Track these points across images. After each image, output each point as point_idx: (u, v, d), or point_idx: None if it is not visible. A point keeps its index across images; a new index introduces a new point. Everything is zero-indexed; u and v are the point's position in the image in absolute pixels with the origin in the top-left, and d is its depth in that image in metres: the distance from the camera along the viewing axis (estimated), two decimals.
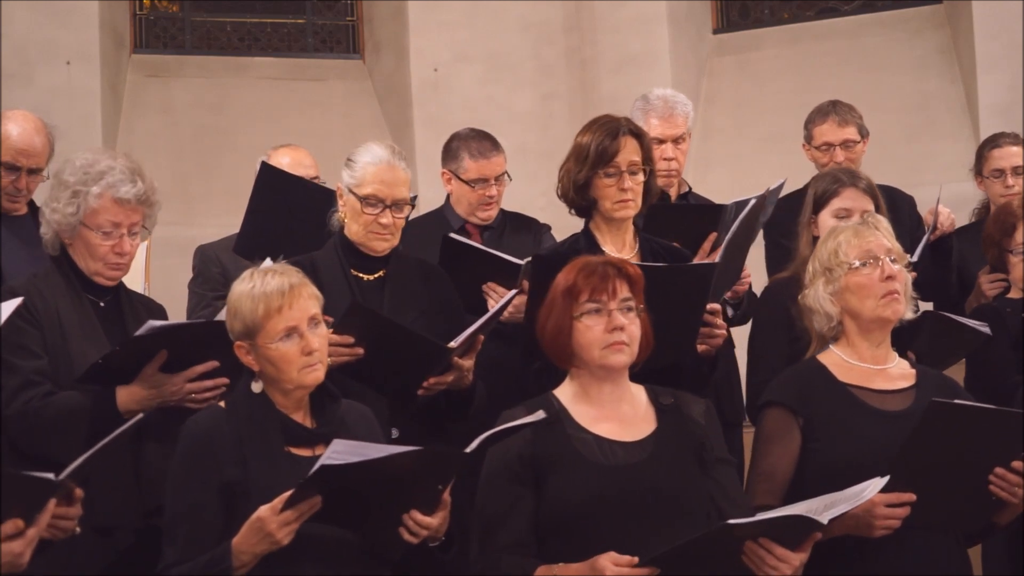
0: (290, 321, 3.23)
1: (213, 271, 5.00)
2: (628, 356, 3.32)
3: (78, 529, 3.06)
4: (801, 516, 3.13)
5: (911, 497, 3.32)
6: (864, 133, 5.40)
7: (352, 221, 4.04)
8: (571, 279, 3.31)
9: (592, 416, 3.34)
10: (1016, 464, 3.36)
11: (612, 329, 3.27)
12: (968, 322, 4.29)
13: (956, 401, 3.38)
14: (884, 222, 3.74)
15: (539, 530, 3.26)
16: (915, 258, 4.64)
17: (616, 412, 3.36)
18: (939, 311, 4.38)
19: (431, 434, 3.84)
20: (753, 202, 4.35)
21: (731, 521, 3.03)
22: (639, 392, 3.42)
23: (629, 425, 3.34)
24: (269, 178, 4.66)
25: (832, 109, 5.39)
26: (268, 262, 3.72)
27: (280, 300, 3.23)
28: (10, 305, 3.42)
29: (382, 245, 4.04)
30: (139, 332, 3.55)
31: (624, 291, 3.31)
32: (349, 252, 4.05)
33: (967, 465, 3.35)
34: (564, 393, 3.40)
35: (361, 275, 4.05)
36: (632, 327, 3.30)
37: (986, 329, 4.28)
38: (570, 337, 3.30)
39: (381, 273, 4.06)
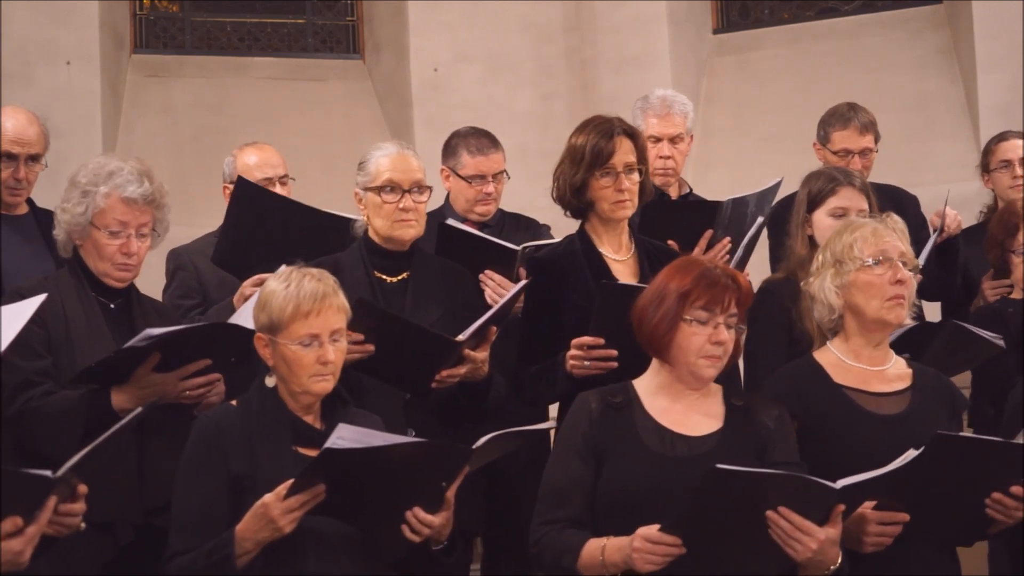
0: (313, 328, 3.27)
1: (188, 277, 4.94)
2: (718, 371, 3.37)
3: (83, 525, 3.07)
4: (805, 477, 3.13)
5: (904, 517, 3.34)
6: (878, 139, 5.39)
7: (375, 217, 4.06)
8: (687, 284, 3.31)
9: (662, 408, 3.38)
10: (1015, 489, 3.37)
11: (715, 342, 3.31)
12: (985, 334, 4.28)
13: (961, 435, 3.40)
14: (902, 224, 3.73)
15: (597, 511, 3.30)
16: (922, 261, 4.64)
17: (688, 407, 3.39)
18: (958, 321, 4.37)
19: (447, 435, 3.83)
20: (760, 220, 4.36)
21: (719, 465, 3.04)
22: (716, 390, 3.44)
23: (697, 420, 3.37)
24: (245, 192, 4.63)
25: (854, 115, 5.33)
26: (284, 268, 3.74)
27: (310, 306, 3.27)
28: (33, 303, 3.45)
29: (409, 232, 4.05)
30: (134, 341, 3.58)
31: (733, 307, 3.33)
32: (373, 253, 4.07)
33: (965, 489, 3.37)
34: (643, 383, 3.44)
35: (384, 277, 4.05)
36: (730, 343, 3.34)
37: (1000, 341, 4.27)
38: (672, 336, 3.32)
39: (404, 275, 4.07)
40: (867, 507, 3.32)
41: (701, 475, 3.05)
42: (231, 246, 4.59)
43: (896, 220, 3.73)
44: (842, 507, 3.15)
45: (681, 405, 3.38)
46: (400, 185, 4.03)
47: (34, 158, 4.46)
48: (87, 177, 3.80)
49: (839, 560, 3.19)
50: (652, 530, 3.10)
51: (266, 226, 4.48)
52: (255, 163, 5.07)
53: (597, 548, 3.21)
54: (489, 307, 4.09)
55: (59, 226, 3.84)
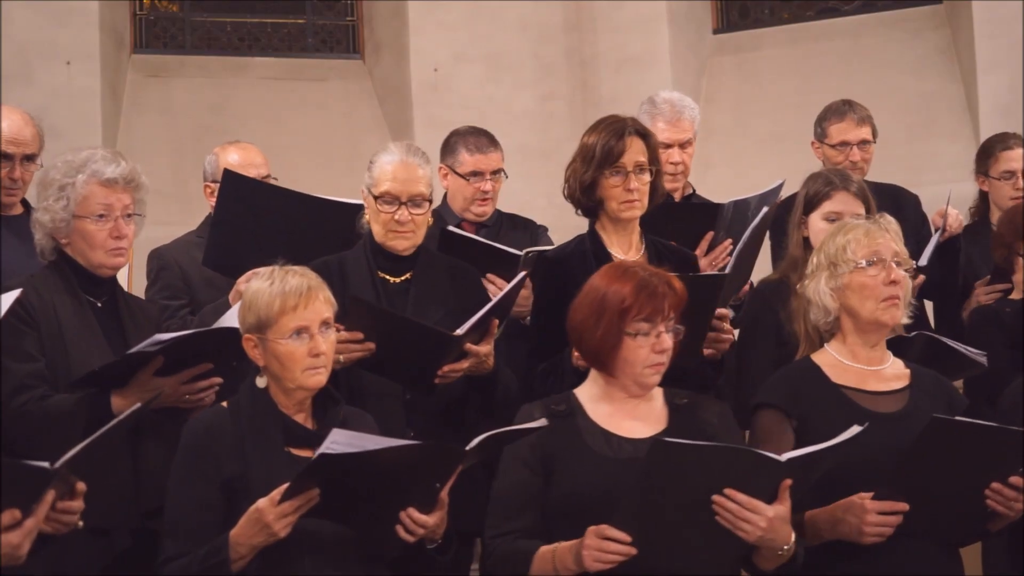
0: (302, 321, 3.28)
1: (174, 276, 4.87)
2: (660, 376, 3.39)
3: (80, 523, 3.06)
4: (749, 450, 3.14)
5: (903, 506, 3.34)
6: (875, 134, 5.40)
7: (374, 222, 4.05)
8: (626, 297, 3.31)
9: (606, 413, 3.39)
10: (1014, 479, 3.37)
11: (659, 351, 3.33)
12: (962, 348, 4.26)
13: (957, 418, 3.38)
14: (895, 224, 3.73)
15: (548, 518, 3.30)
16: (924, 261, 4.62)
17: (631, 411, 3.41)
18: (932, 334, 4.36)
19: (448, 435, 3.82)
20: (765, 210, 4.35)
21: (666, 439, 3.05)
22: (656, 393, 3.46)
23: (641, 423, 3.39)
24: (234, 185, 4.52)
25: (849, 108, 5.39)
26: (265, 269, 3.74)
27: (296, 299, 3.28)
28: (9, 297, 3.44)
29: (403, 244, 4.03)
30: (142, 346, 3.57)
31: (671, 312, 3.35)
32: (377, 254, 4.06)
33: (964, 478, 3.36)
34: (584, 391, 3.45)
35: (388, 277, 4.05)
36: (671, 349, 3.36)
37: (982, 358, 4.25)
38: (617, 350, 3.33)
39: (408, 275, 4.07)
40: (866, 498, 3.33)
41: (647, 450, 3.06)
42: (222, 245, 4.51)
43: (889, 220, 3.73)
44: (789, 482, 3.14)
45: (624, 410, 3.40)
46: (398, 197, 4.00)
47: (29, 158, 4.45)
48: (61, 172, 3.77)
49: (792, 539, 3.18)
50: (603, 526, 3.10)
51: (259, 220, 4.41)
52: (237, 162, 4.98)
53: (548, 553, 3.22)
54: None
55: (40, 230, 3.80)
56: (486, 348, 3.87)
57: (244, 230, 4.42)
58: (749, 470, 3.10)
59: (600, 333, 3.33)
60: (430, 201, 4.09)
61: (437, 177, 5.00)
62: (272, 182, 4.99)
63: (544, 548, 3.24)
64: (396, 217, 4.00)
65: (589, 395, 3.43)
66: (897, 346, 3.89)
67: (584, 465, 3.30)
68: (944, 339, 4.28)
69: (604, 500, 3.20)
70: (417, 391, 3.90)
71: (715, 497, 3.09)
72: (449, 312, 4.00)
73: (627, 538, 3.08)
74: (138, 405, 3.16)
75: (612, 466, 3.28)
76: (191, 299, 4.78)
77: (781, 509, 3.14)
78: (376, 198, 4.01)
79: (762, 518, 3.10)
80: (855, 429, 3.24)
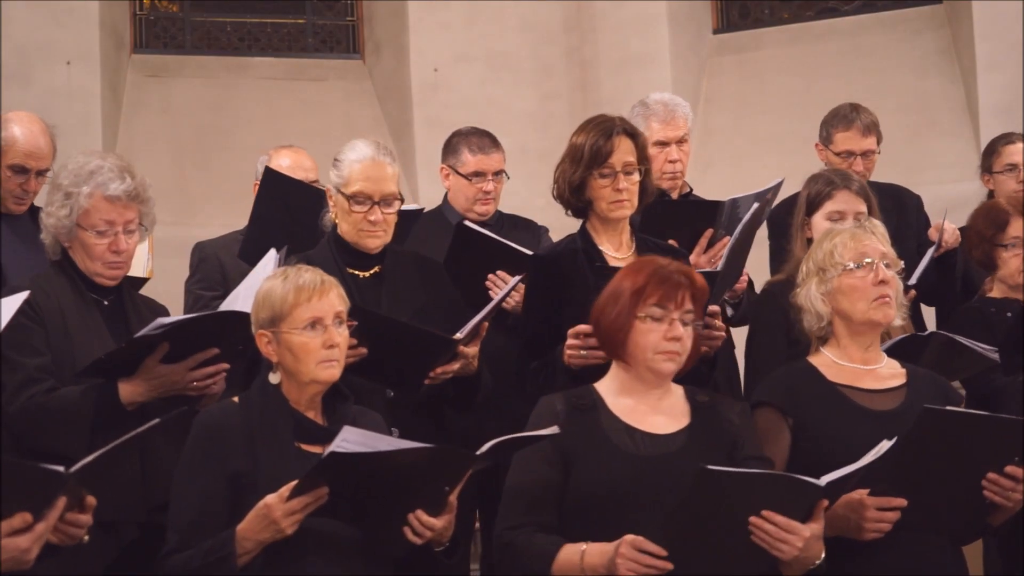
0: (317, 312, 3.29)
1: (212, 269, 4.97)
2: (677, 366, 3.37)
3: (86, 537, 3.02)
4: (792, 477, 3.13)
5: (901, 502, 3.33)
6: (880, 140, 5.37)
7: (342, 220, 4.03)
8: (640, 281, 3.33)
9: (628, 408, 3.38)
10: (1010, 469, 3.36)
11: (671, 338, 3.32)
12: (976, 346, 4.27)
13: (949, 408, 3.37)
14: (880, 226, 3.74)
15: (566, 513, 3.29)
16: (914, 280, 4.61)
17: (653, 406, 3.40)
18: (948, 333, 4.36)
19: (432, 433, 3.83)
20: (756, 206, 4.35)
21: (709, 466, 3.03)
22: (677, 390, 3.45)
23: (664, 419, 3.38)
24: (273, 183, 4.65)
25: (856, 116, 5.30)
26: (272, 253, 3.72)
27: (311, 292, 3.30)
28: (17, 299, 3.43)
29: (374, 242, 4.03)
30: (146, 330, 3.56)
31: (688, 303, 3.34)
32: (343, 250, 4.04)
33: (960, 470, 3.35)
34: (604, 385, 3.44)
35: (356, 272, 4.05)
36: (687, 339, 3.35)
37: (995, 355, 4.26)
38: (628, 335, 3.33)
39: (377, 269, 4.06)
40: (863, 494, 3.33)
41: (692, 476, 3.03)
42: (257, 240, 4.57)
43: (875, 224, 3.75)
44: (825, 502, 3.16)
45: (645, 404, 3.39)
46: (371, 197, 3.98)
47: (43, 172, 4.44)
48: (68, 179, 3.76)
49: (823, 554, 3.19)
50: (640, 538, 3.08)
51: (293, 218, 4.48)
52: (287, 165, 5.09)
53: (575, 553, 3.19)
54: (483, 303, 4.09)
55: (45, 229, 3.79)
56: (473, 350, 3.88)
57: (279, 227, 4.48)
58: (788, 494, 3.11)
59: (613, 316, 3.34)
60: (401, 199, 4.07)
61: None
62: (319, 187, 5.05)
63: (569, 546, 3.21)
64: (369, 218, 3.99)
65: (609, 388, 3.42)
66: (912, 344, 3.89)
67: (607, 461, 3.28)
68: (958, 337, 4.28)
69: (627, 496, 3.20)
70: (402, 392, 3.90)
71: (753, 519, 3.08)
72: (420, 309, 4.00)
73: (663, 552, 3.07)
74: (156, 421, 3.11)
75: (636, 462, 3.27)
76: (226, 292, 4.81)
77: (816, 528, 3.14)
78: (348, 198, 4.00)
79: (799, 538, 3.10)
80: (885, 444, 3.25)
